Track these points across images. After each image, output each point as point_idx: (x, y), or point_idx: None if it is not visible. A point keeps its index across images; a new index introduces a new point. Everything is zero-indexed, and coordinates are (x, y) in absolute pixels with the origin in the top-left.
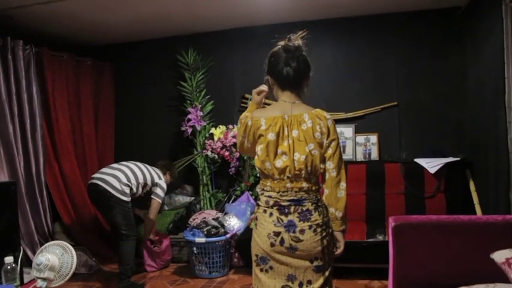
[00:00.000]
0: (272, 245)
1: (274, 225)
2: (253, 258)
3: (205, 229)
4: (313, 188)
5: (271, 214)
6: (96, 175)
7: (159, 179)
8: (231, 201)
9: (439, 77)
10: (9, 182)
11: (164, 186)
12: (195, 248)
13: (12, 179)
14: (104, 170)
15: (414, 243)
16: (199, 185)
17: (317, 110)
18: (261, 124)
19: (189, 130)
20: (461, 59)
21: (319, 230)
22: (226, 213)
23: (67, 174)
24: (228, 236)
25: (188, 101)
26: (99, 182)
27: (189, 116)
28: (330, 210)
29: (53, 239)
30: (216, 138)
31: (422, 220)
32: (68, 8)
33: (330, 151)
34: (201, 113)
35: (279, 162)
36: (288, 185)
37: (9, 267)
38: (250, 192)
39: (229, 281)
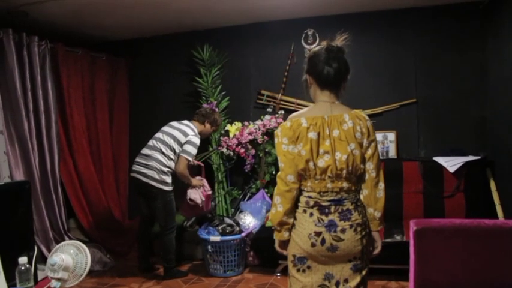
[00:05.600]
0: (313, 245)
1: (315, 225)
2: (290, 258)
3: (220, 227)
4: (353, 188)
5: (311, 214)
6: (135, 167)
7: (185, 136)
8: (246, 198)
9: (459, 74)
10: (23, 182)
11: (194, 140)
12: (209, 247)
13: (27, 175)
14: (139, 160)
15: (436, 248)
16: (214, 182)
17: (356, 110)
18: (301, 122)
19: None
20: (482, 54)
21: (359, 229)
22: (241, 211)
23: (81, 170)
24: (243, 234)
25: (204, 97)
26: (139, 176)
27: None
28: (368, 210)
29: (68, 236)
30: (231, 135)
31: (444, 224)
32: (83, 3)
33: (369, 151)
34: (217, 110)
35: (321, 162)
36: (329, 185)
37: (23, 267)
38: (266, 190)
39: (244, 280)
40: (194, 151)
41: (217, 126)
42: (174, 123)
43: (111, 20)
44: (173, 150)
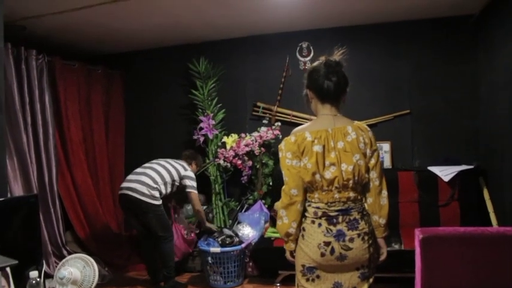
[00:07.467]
0: (322, 254)
1: (324, 235)
2: (299, 268)
3: (219, 238)
4: (359, 198)
5: (320, 225)
6: (124, 184)
7: (184, 170)
8: (243, 210)
9: (453, 85)
10: (30, 196)
11: (192, 175)
12: (209, 258)
13: (26, 189)
14: (130, 177)
15: (442, 256)
16: (212, 194)
17: (357, 122)
18: (306, 136)
19: (201, 139)
20: (474, 66)
21: (366, 238)
22: (239, 222)
23: (79, 183)
24: (243, 245)
25: (200, 110)
26: (129, 192)
27: (201, 125)
28: (373, 218)
29: (65, 249)
30: (228, 146)
31: (449, 232)
32: (81, 17)
33: (372, 161)
34: (213, 122)
35: (328, 174)
36: (336, 195)
37: (34, 282)
38: (263, 201)
39: None
40: (195, 184)
41: (200, 166)
42: (170, 160)
43: (107, 33)
44: (168, 173)
